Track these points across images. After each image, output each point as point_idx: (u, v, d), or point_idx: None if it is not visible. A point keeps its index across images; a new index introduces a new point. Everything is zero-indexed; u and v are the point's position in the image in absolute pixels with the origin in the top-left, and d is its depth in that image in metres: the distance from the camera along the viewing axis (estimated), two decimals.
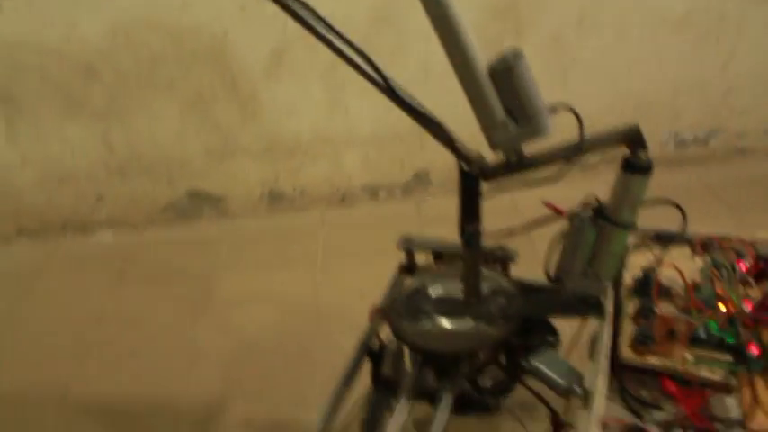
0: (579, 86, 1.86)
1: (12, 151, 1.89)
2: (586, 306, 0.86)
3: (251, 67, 1.79)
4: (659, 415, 0.79)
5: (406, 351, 0.96)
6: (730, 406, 0.78)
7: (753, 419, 0.73)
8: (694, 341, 0.81)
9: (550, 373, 0.84)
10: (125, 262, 1.90)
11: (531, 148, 0.77)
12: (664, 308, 0.85)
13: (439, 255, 1.07)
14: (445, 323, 0.89)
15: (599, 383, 0.76)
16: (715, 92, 1.92)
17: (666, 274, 0.89)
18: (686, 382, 0.78)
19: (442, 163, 1.81)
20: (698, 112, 1.96)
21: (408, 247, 1.09)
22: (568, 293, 0.85)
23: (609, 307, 0.85)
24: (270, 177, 1.99)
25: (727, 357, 0.79)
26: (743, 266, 0.88)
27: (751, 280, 0.85)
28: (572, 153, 0.76)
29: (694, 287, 0.86)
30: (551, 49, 1.81)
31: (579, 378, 0.83)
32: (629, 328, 0.85)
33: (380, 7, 1.69)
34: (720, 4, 1.79)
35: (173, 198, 2.00)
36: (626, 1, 1.77)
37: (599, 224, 0.80)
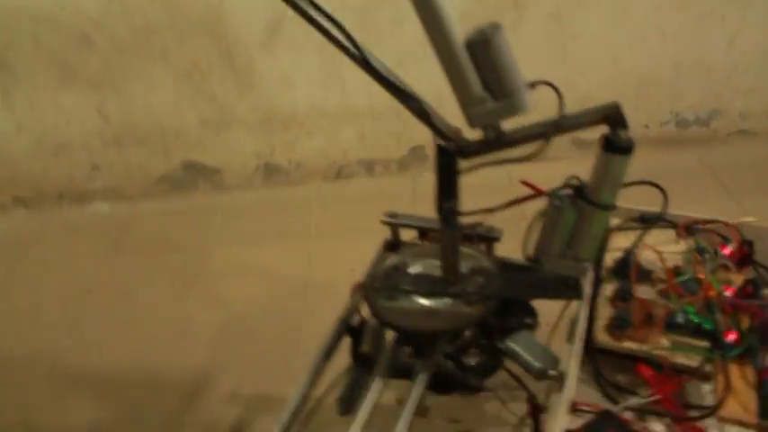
0: (579, 64, 1.83)
1: (7, 119, 1.88)
2: (565, 288, 0.84)
3: (247, 36, 1.77)
4: (634, 400, 0.77)
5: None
6: (706, 393, 0.77)
7: (724, 407, 0.72)
8: (672, 326, 0.79)
9: (525, 356, 0.82)
10: (120, 232, 1.90)
11: (511, 124, 0.75)
12: (643, 291, 0.83)
13: (424, 232, 1.06)
14: (421, 301, 0.88)
15: (571, 367, 0.75)
16: (719, 71, 1.88)
17: (648, 257, 0.87)
18: (662, 368, 0.77)
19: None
20: (700, 92, 1.92)
21: (393, 223, 1.08)
22: (547, 275, 0.83)
23: (587, 289, 0.83)
24: (265, 150, 1.97)
25: (705, 344, 0.78)
26: (726, 251, 0.86)
27: (732, 266, 0.83)
28: (550, 131, 0.73)
29: (675, 271, 0.84)
30: (551, 25, 1.77)
31: (555, 361, 0.81)
32: (606, 311, 0.83)
33: None
34: None
35: (168, 169, 1.99)
36: None
37: (579, 205, 0.78)
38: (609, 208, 0.77)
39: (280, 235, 1.81)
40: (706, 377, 0.77)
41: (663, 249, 0.88)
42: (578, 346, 0.77)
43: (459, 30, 0.71)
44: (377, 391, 0.85)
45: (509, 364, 0.90)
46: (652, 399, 0.76)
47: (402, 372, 0.91)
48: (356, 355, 0.99)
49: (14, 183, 2.00)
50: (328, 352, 0.93)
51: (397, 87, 0.72)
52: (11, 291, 1.71)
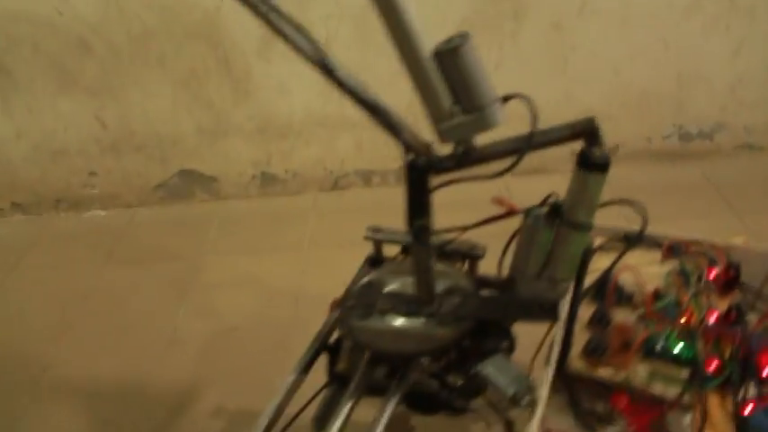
0: (579, 75, 1.79)
1: (6, 124, 1.88)
2: (542, 311, 0.81)
3: (244, 44, 1.75)
4: (611, 430, 0.74)
5: None
6: (686, 424, 0.73)
7: None
8: (651, 353, 0.76)
9: (498, 381, 0.79)
10: (115, 240, 1.89)
11: (484, 138, 0.73)
12: (623, 315, 0.80)
13: (407, 248, 1.03)
14: (394, 321, 0.85)
15: (542, 394, 0.72)
16: (723, 83, 1.84)
17: (630, 279, 0.84)
18: (637, 399, 0.73)
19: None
20: (704, 105, 1.87)
21: (376, 238, 1.05)
22: (523, 296, 0.80)
23: (563, 312, 0.80)
24: (262, 159, 1.95)
25: (684, 372, 0.74)
26: (713, 274, 0.83)
27: (711, 291, 0.79)
28: (523, 147, 0.70)
29: (656, 295, 0.80)
30: (551, 35, 1.74)
31: (530, 387, 0.78)
32: (583, 336, 0.80)
33: None
34: None
35: (165, 177, 1.98)
36: None
37: (555, 224, 0.75)
38: (585, 228, 0.74)
39: (274, 245, 1.79)
40: (686, 408, 0.73)
41: (646, 271, 0.84)
42: (549, 372, 0.74)
43: (427, 40, 0.68)
44: (348, 411, 0.83)
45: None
46: (630, 430, 0.73)
47: (379, 390, 0.88)
48: (332, 373, 0.96)
49: (12, 188, 1.99)
50: (305, 368, 0.91)
51: (361, 97, 0.69)
52: (5, 296, 1.71)
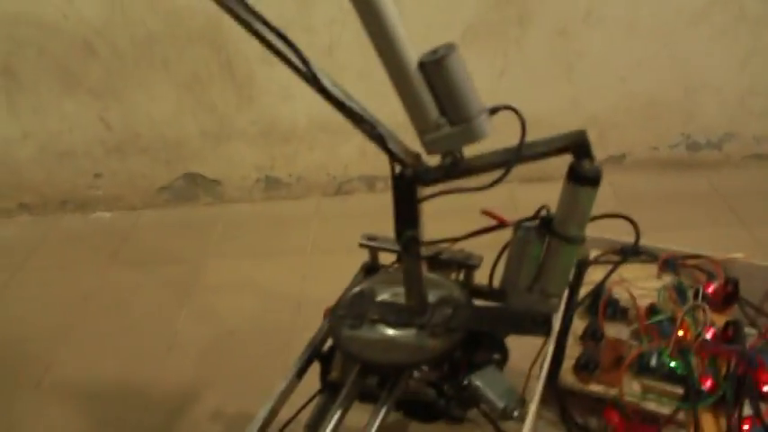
0: (585, 83, 1.77)
1: (13, 125, 1.88)
2: (534, 324, 0.80)
3: (247, 48, 1.75)
4: None
5: None
6: None
7: None
8: (644, 370, 0.74)
9: (488, 394, 0.78)
10: (120, 241, 1.89)
11: (473, 149, 0.72)
12: (616, 330, 0.78)
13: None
14: (384, 332, 0.84)
15: (531, 409, 0.71)
16: (731, 92, 1.81)
17: (625, 293, 0.82)
18: (630, 415, 0.72)
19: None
20: (712, 114, 1.85)
21: (371, 246, 1.04)
22: (515, 309, 0.79)
23: (555, 326, 0.79)
24: (266, 163, 1.95)
25: (678, 390, 0.72)
26: (710, 289, 0.81)
27: (708, 307, 0.77)
28: (512, 159, 0.69)
29: (651, 310, 0.78)
30: (556, 42, 1.72)
31: (520, 401, 0.77)
32: (577, 349, 0.78)
33: None
34: None
35: (169, 179, 1.98)
36: None
37: (545, 237, 0.74)
38: (576, 241, 0.72)
39: (277, 249, 1.78)
40: (680, 425, 0.72)
41: (642, 285, 0.83)
42: (540, 386, 0.72)
43: (413, 50, 0.67)
44: (338, 419, 0.82)
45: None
46: None
47: (372, 397, 0.87)
48: (325, 381, 0.96)
49: (19, 189, 2.00)
50: (298, 374, 0.90)
51: (348, 108, 0.69)
52: (9, 296, 1.71)
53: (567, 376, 0.76)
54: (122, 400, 1.37)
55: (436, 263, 0.95)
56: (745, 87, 1.80)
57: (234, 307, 1.58)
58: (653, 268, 0.87)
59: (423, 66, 0.66)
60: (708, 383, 0.72)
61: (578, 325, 0.83)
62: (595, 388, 0.75)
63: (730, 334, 0.76)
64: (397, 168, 0.73)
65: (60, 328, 1.57)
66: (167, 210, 2.01)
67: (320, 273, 1.66)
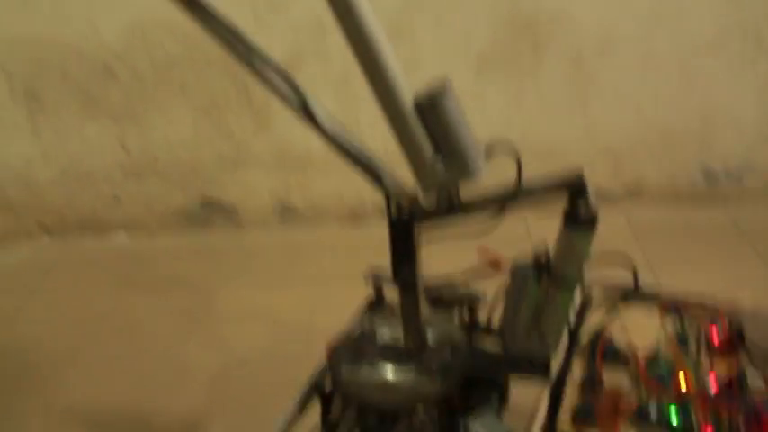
0: (600, 113, 1.75)
1: (35, 146, 1.91)
2: (532, 367, 0.78)
3: None
4: None
5: None
6: None
7: None
8: (643, 419, 0.71)
9: None
10: (135, 265, 1.90)
11: (470, 189, 0.71)
12: (616, 377, 0.76)
13: None
14: (382, 374, 0.83)
15: None
16: (750, 122, 1.78)
17: (625, 339, 0.80)
18: None
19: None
20: (731, 145, 1.82)
21: (376, 281, 1.03)
22: (513, 351, 0.77)
23: (554, 369, 0.77)
24: (281, 190, 1.95)
25: None
26: (714, 335, 0.78)
27: (711, 353, 0.74)
28: (507, 199, 0.68)
29: (651, 358, 0.76)
30: (571, 71, 1.71)
31: None
32: (573, 398, 0.76)
33: (394, 19, 1.64)
34: (756, 25, 1.66)
35: (186, 204, 1.99)
36: (652, 20, 1.65)
37: (542, 279, 0.72)
38: (573, 284, 0.71)
39: (289, 279, 1.78)
40: None
41: (645, 326, 0.80)
42: None
43: (409, 91, 0.67)
44: None
45: None
46: None
47: None
48: (325, 420, 0.95)
49: (40, 210, 2.02)
50: (300, 409, 0.90)
51: (343, 146, 0.68)
52: (24, 318, 1.72)
53: (564, 425, 0.74)
54: (131, 426, 1.37)
55: (437, 299, 0.94)
56: (765, 116, 1.77)
57: (244, 336, 1.58)
58: (655, 309, 0.84)
59: (418, 105, 0.65)
60: None
61: (579, 366, 0.81)
62: None
63: (735, 389, 0.73)
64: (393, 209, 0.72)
65: (71, 350, 1.58)
66: (183, 234, 2.01)
67: (332, 303, 1.64)
